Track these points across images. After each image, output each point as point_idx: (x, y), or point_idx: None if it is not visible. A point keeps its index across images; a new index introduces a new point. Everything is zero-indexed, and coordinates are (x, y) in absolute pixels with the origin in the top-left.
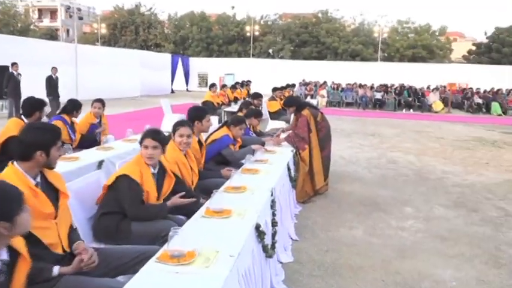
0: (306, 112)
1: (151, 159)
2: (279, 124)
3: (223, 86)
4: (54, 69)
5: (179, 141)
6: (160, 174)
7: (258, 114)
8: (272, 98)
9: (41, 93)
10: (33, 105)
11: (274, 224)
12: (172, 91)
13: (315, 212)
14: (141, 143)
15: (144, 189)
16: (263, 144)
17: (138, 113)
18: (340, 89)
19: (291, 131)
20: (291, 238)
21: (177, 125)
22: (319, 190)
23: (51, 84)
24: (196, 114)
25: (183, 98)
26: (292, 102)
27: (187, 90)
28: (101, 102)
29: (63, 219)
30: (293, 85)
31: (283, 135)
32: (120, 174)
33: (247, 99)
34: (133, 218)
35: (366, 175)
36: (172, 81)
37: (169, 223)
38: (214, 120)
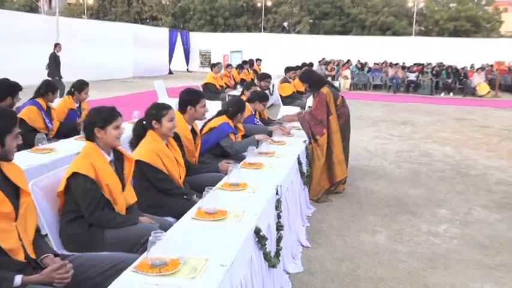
0: (325, 90)
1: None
2: (293, 110)
3: (228, 66)
4: (58, 46)
5: (169, 127)
6: (118, 159)
7: (263, 98)
8: (285, 80)
9: (19, 74)
10: (6, 89)
11: (279, 227)
12: (171, 72)
13: (331, 213)
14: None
15: (103, 183)
16: (270, 134)
17: (129, 97)
18: (366, 69)
19: (305, 111)
20: (301, 244)
21: (163, 109)
22: (338, 186)
23: (56, 63)
24: (189, 98)
25: (183, 80)
26: (309, 76)
27: (187, 70)
28: (87, 86)
29: (26, 221)
30: (310, 64)
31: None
32: (70, 174)
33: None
34: (95, 225)
35: (393, 171)
36: (170, 60)
37: (151, 227)
38: (216, 105)
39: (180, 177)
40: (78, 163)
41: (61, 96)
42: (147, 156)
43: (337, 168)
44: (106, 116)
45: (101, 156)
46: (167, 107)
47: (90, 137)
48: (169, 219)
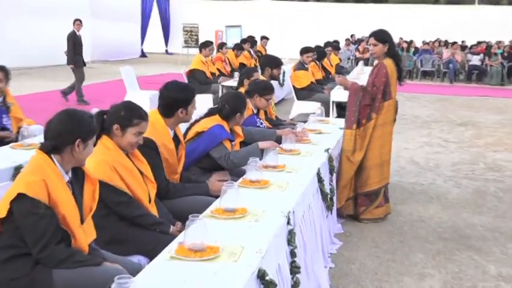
0: (388, 62)
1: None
2: (312, 107)
3: (221, 46)
4: (78, 22)
5: (132, 142)
6: (77, 180)
7: (264, 90)
8: (300, 66)
9: None
10: None
11: (294, 269)
12: (144, 54)
13: (364, 250)
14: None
15: (57, 210)
16: (278, 139)
17: (86, 88)
18: (412, 49)
19: (355, 82)
20: None
21: (136, 116)
22: (372, 206)
23: (76, 44)
24: (184, 97)
25: (160, 65)
26: (387, 35)
27: (166, 52)
28: (2, 71)
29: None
30: (335, 43)
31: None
32: (14, 196)
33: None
34: (44, 264)
35: (450, 190)
36: (143, 38)
37: (115, 270)
38: (206, 100)
39: (150, 199)
40: (25, 181)
41: (78, 86)
42: (99, 171)
43: (372, 173)
44: (91, 127)
45: (56, 174)
46: (142, 117)
47: (48, 148)
48: (138, 259)
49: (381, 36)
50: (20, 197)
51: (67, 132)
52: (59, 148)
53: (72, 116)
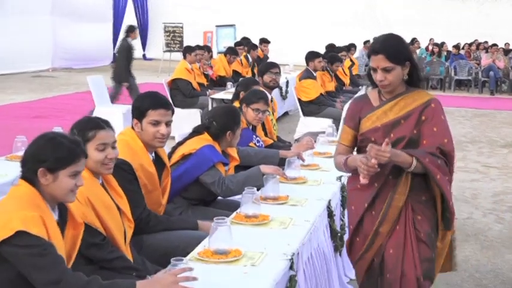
0: (432, 95)
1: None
2: (321, 124)
3: (203, 50)
4: (132, 29)
5: (98, 160)
6: (61, 223)
7: (252, 98)
8: (307, 74)
9: None
10: None
11: None
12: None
13: None
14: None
15: None
16: (281, 162)
17: (44, 102)
18: (444, 54)
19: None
20: None
21: (89, 128)
22: None
23: (129, 58)
24: (139, 107)
25: (136, 74)
26: (403, 49)
27: (144, 57)
28: None
29: None
30: (351, 46)
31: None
32: (11, 234)
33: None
34: None
35: (490, 226)
36: (115, 41)
37: None
38: (193, 115)
39: (126, 240)
40: (21, 216)
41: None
42: (73, 206)
43: None
44: (63, 154)
45: (48, 213)
46: (97, 126)
47: (30, 178)
48: None
49: (398, 51)
50: (20, 235)
51: (31, 158)
52: (29, 178)
53: (40, 139)
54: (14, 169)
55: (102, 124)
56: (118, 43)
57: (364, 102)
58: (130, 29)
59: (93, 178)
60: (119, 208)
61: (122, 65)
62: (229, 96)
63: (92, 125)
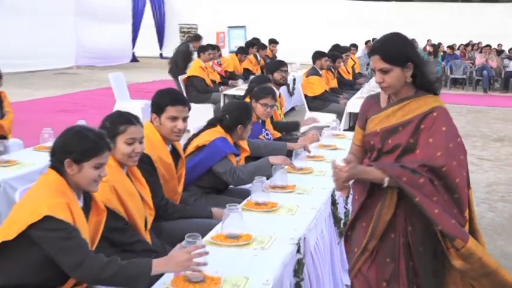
0: (443, 103)
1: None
2: (326, 119)
3: (213, 49)
4: (198, 38)
5: (126, 153)
6: (85, 209)
7: (260, 93)
8: (313, 72)
9: None
10: None
11: None
12: (135, 59)
13: None
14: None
15: None
16: (289, 153)
17: (68, 97)
18: (441, 54)
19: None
20: None
21: (120, 122)
22: None
23: (187, 59)
24: (159, 101)
25: (153, 71)
26: (404, 48)
27: (161, 56)
28: None
29: None
30: (352, 46)
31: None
32: (39, 219)
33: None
34: (91, 278)
35: (483, 215)
36: (134, 40)
37: None
38: (207, 110)
39: (146, 226)
40: (49, 203)
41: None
42: (99, 193)
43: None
44: (88, 147)
45: (74, 200)
46: (128, 121)
47: (57, 167)
48: None
49: (395, 52)
50: (46, 220)
51: (58, 150)
52: (56, 167)
53: (68, 132)
54: (42, 159)
55: (133, 120)
56: (179, 46)
57: (374, 102)
58: (197, 38)
59: (119, 168)
60: (141, 197)
61: (180, 65)
62: (240, 93)
63: (124, 119)
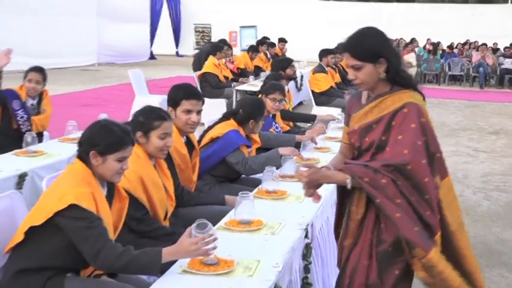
0: (418, 99)
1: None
2: (332, 113)
3: (229, 48)
4: (224, 51)
5: (159, 146)
6: (108, 197)
7: (270, 88)
8: (319, 69)
9: None
10: None
11: (306, 286)
12: (153, 56)
13: None
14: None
15: None
16: (298, 145)
17: (91, 92)
18: (440, 52)
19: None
20: None
21: (155, 118)
22: None
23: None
24: (174, 96)
25: (170, 68)
26: (374, 45)
27: (177, 54)
28: (40, 72)
29: None
30: None
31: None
32: (64, 206)
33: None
34: (107, 267)
35: (479, 203)
36: (152, 39)
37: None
38: (220, 105)
39: (166, 215)
40: (75, 192)
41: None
42: (124, 180)
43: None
44: (113, 140)
45: (99, 189)
46: (162, 117)
47: (83, 158)
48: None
49: (364, 48)
50: (72, 208)
51: (85, 141)
52: (83, 158)
53: (95, 126)
54: (66, 149)
55: (166, 116)
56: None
57: (356, 99)
58: (218, 49)
59: (148, 160)
60: (165, 188)
61: (202, 63)
62: (252, 88)
63: (158, 115)
